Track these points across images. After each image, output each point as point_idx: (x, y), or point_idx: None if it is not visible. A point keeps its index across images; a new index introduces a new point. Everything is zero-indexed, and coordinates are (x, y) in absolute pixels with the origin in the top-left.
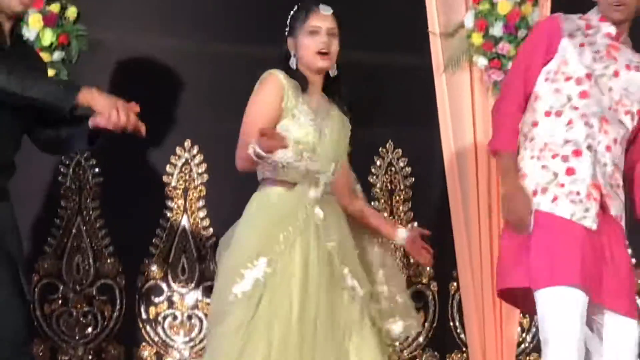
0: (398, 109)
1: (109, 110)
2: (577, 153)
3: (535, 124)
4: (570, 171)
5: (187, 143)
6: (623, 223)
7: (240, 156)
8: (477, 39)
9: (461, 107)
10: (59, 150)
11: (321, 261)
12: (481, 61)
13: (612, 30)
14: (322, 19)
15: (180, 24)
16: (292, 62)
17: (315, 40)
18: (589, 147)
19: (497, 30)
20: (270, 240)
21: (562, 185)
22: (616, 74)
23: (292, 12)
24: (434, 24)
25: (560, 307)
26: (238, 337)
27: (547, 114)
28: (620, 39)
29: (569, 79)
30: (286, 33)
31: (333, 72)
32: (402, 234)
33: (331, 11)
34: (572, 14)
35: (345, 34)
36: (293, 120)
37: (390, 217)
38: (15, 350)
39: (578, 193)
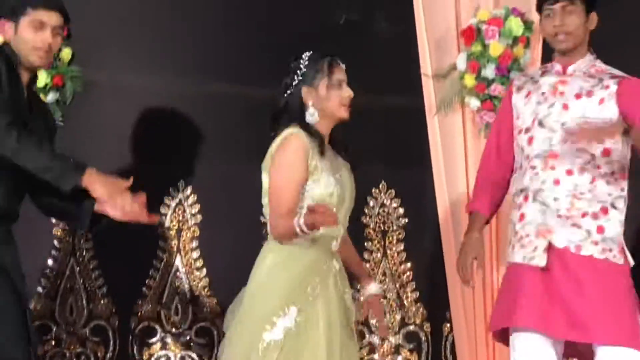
0: (391, 149)
1: (112, 200)
2: (525, 198)
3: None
4: (521, 217)
5: (181, 184)
6: (598, 248)
7: (278, 228)
8: (470, 80)
9: (454, 148)
10: (62, 219)
11: (340, 311)
12: (473, 103)
13: (559, 67)
14: (343, 72)
15: (174, 65)
16: (314, 114)
17: (341, 92)
18: (535, 190)
19: (489, 72)
20: (300, 289)
21: (516, 232)
22: (565, 107)
23: (305, 61)
24: (427, 65)
25: (516, 350)
26: None
27: (516, 170)
28: (567, 71)
29: (521, 131)
30: (295, 81)
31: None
32: (372, 288)
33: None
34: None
35: None
36: (318, 181)
37: (384, 258)
38: None
39: (527, 235)
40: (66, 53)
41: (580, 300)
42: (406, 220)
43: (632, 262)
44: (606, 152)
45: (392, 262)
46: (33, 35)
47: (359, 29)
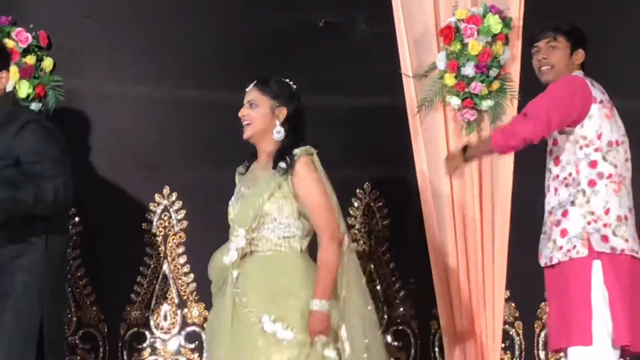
0: (374, 150)
1: None
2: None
3: None
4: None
5: (166, 190)
6: (562, 253)
7: (335, 250)
8: (450, 79)
9: (436, 146)
10: None
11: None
12: (454, 101)
13: None
14: (247, 94)
15: (156, 72)
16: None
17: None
18: None
19: (469, 70)
20: None
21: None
22: None
23: (291, 86)
24: (407, 65)
25: None
26: None
27: None
28: None
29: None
30: (286, 100)
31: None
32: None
33: None
34: None
35: (321, 78)
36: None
37: (370, 258)
38: None
39: None
40: (47, 63)
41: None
42: (391, 220)
43: (603, 249)
44: (557, 162)
45: (378, 261)
46: None
47: (338, 30)
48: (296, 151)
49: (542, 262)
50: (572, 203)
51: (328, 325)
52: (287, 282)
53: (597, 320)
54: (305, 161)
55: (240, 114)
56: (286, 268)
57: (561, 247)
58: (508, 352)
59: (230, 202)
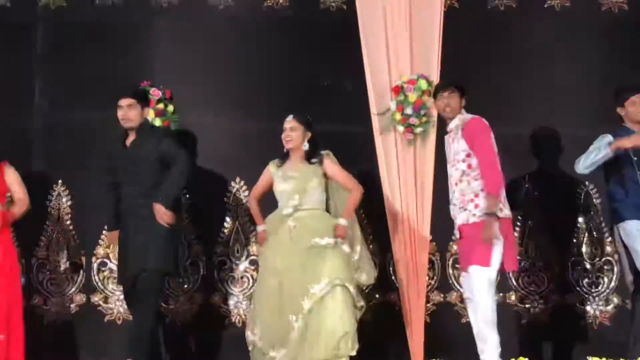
0: (353, 159)
1: None
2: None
3: None
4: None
5: (237, 179)
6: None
7: (360, 194)
8: (398, 116)
9: (390, 154)
10: None
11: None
12: (400, 128)
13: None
14: (286, 122)
15: (229, 108)
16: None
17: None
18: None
19: (409, 111)
20: None
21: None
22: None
23: (311, 121)
24: (373, 107)
25: None
26: None
27: None
28: (449, 127)
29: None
30: (309, 128)
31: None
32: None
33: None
34: None
35: (322, 114)
36: None
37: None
38: None
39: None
40: (170, 108)
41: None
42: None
43: (503, 214)
44: (469, 166)
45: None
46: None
47: (334, 86)
48: (322, 153)
49: (459, 222)
50: (482, 190)
51: (345, 233)
52: (322, 226)
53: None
54: (328, 157)
55: (285, 134)
56: (323, 219)
57: (474, 215)
58: (431, 270)
59: (277, 183)
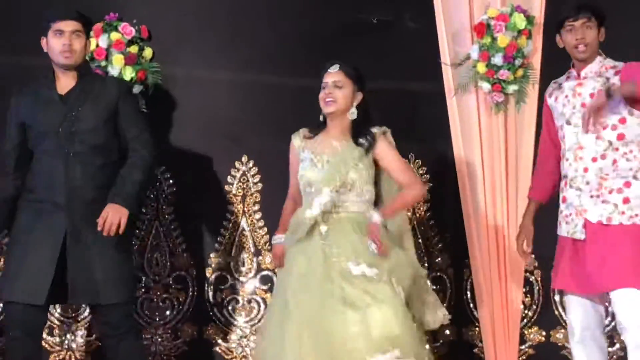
0: (418, 127)
1: None
2: (565, 184)
3: None
4: (564, 199)
5: (244, 158)
6: (622, 218)
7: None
8: (482, 67)
9: (469, 124)
10: None
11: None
12: (485, 86)
13: (574, 72)
14: (328, 76)
15: (239, 61)
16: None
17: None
18: (571, 179)
19: (497, 60)
20: None
21: (561, 211)
22: (583, 105)
23: (364, 76)
24: (445, 55)
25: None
26: None
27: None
28: (581, 74)
29: (557, 129)
30: (362, 86)
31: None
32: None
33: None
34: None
35: (374, 66)
36: None
37: (412, 216)
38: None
39: (570, 214)
40: (148, 52)
41: (601, 262)
42: (431, 184)
43: None
44: (620, 137)
45: (419, 219)
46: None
47: (389, 26)
48: (374, 130)
49: (595, 218)
50: (635, 177)
51: (379, 234)
52: (363, 244)
53: None
54: (384, 138)
55: (326, 92)
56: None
57: (623, 212)
58: (528, 295)
59: (302, 167)
